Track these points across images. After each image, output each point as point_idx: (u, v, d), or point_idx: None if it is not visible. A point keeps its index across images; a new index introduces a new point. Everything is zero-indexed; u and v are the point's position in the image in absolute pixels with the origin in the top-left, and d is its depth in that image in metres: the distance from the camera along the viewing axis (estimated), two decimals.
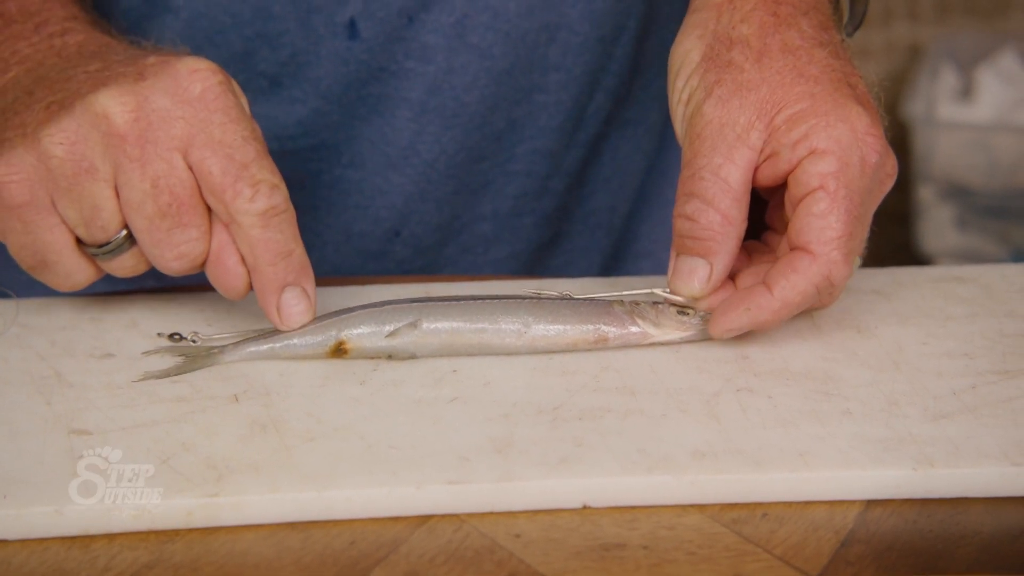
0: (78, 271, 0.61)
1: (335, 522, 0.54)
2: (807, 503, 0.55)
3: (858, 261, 0.62)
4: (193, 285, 0.72)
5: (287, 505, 0.53)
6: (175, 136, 0.57)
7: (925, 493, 0.55)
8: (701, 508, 0.55)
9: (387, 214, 0.78)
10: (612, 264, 0.86)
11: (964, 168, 1.69)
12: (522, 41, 0.75)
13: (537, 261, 0.83)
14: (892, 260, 1.81)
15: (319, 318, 0.62)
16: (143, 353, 0.62)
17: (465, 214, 0.80)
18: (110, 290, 0.75)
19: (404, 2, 0.73)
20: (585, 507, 0.54)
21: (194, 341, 0.63)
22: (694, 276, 0.61)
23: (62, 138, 0.57)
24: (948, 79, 1.74)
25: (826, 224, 0.59)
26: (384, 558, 0.52)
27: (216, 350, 0.62)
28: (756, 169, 0.61)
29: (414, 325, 0.62)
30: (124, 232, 0.60)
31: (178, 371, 0.61)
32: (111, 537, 0.53)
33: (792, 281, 0.59)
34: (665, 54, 0.64)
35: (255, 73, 0.74)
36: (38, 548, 0.52)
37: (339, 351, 0.62)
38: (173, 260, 0.59)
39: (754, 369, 0.62)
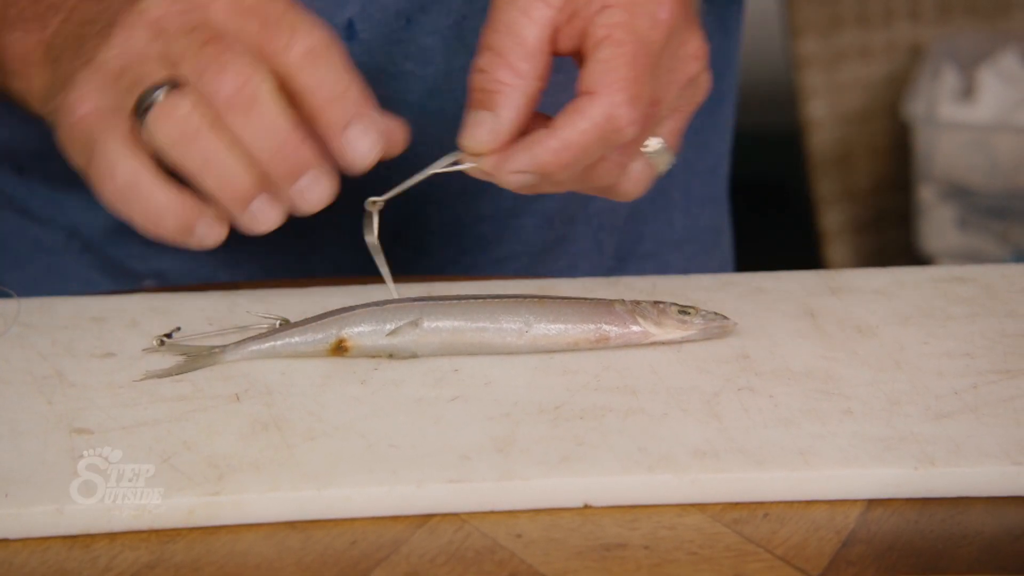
0: (136, 169, 0.57)
1: (336, 522, 0.54)
2: (808, 503, 0.55)
3: (667, 154, 0.61)
4: (194, 285, 0.72)
5: (288, 504, 0.53)
6: (208, 5, 0.57)
7: (926, 492, 0.55)
8: (702, 508, 0.55)
9: (388, 216, 0.78)
10: (616, 266, 0.86)
11: (965, 168, 1.69)
12: None
13: (539, 263, 0.83)
14: (893, 260, 1.81)
15: (319, 316, 0.62)
16: (143, 351, 0.62)
17: (466, 216, 0.80)
18: (111, 290, 0.75)
19: (402, 4, 0.73)
20: (586, 506, 0.54)
21: (169, 336, 0.62)
22: (479, 128, 0.59)
23: (113, 43, 0.57)
24: (949, 79, 1.74)
25: (610, 67, 0.57)
26: (385, 558, 0.52)
27: (217, 349, 0.62)
28: (560, 31, 0.59)
29: (415, 324, 0.62)
30: (167, 81, 0.57)
31: (179, 371, 0.61)
32: (112, 537, 0.53)
33: (574, 121, 0.57)
34: None
35: None
36: (39, 548, 0.52)
37: (340, 349, 0.62)
38: (229, 80, 0.55)
39: (755, 368, 0.62)
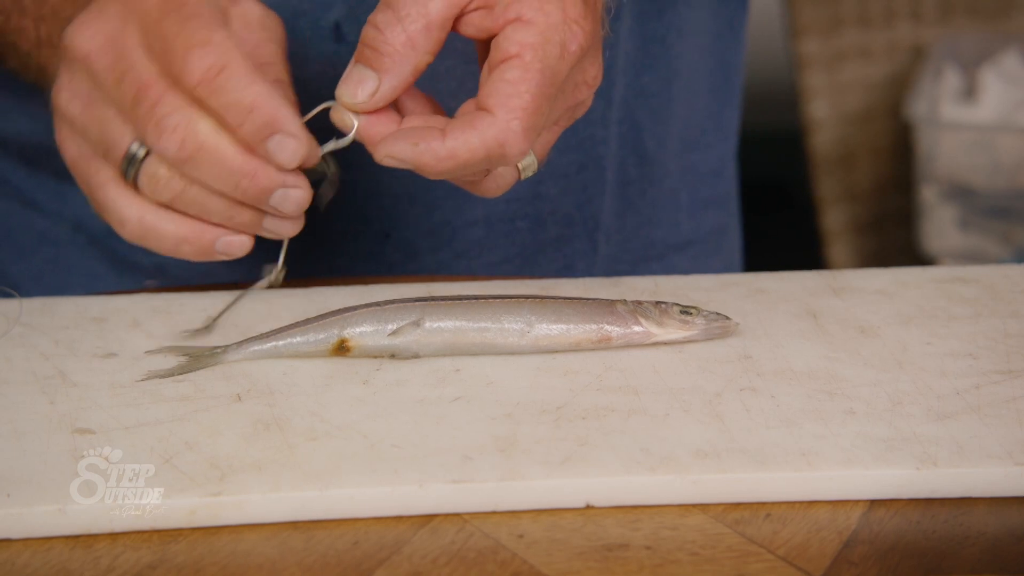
0: (141, 213, 0.60)
1: (338, 522, 0.54)
2: (810, 503, 0.55)
3: (534, 164, 0.61)
4: (196, 285, 0.72)
5: (290, 504, 0.53)
6: (129, 39, 0.57)
7: (929, 493, 0.55)
8: (704, 508, 0.55)
9: (376, 215, 0.78)
10: (619, 268, 0.86)
11: (967, 169, 1.69)
12: None
13: (535, 266, 0.83)
14: (895, 260, 1.81)
15: (321, 316, 0.62)
16: (146, 352, 0.62)
17: (456, 219, 0.79)
18: (113, 290, 0.75)
19: None
20: (588, 506, 0.54)
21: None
22: (360, 86, 0.59)
23: (62, 84, 0.59)
24: (951, 80, 1.74)
25: (515, 92, 0.57)
26: (387, 559, 0.52)
27: (219, 349, 0.62)
28: (465, 13, 0.59)
29: (417, 324, 0.62)
30: (137, 144, 0.58)
31: (181, 371, 0.61)
32: (114, 537, 0.53)
33: (467, 136, 0.57)
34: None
35: None
36: (41, 548, 0.52)
37: (341, 349, 0.62)
38: (167, 141, 0.57)
39: (757, 369, 0.62)
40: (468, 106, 0.61)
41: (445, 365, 0.62)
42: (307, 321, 0.63)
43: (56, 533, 0.53)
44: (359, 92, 0.59)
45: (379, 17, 0.58)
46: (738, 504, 0.55)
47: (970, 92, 1.75)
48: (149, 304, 0.67)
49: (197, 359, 0.61)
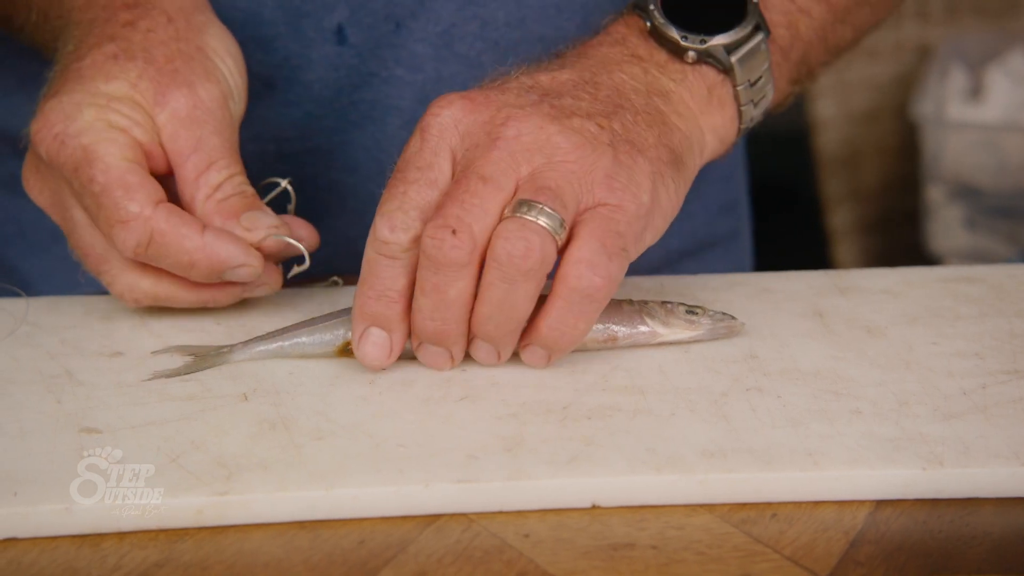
0: (149, 287, 0.64)
1: (344, 522, 0.54)
2: (816, 503, 0.55)
3: None
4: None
5: (296, 503, 0.53)
6: (67, 195, 0.62)
7: (935, 493, 0.55)
8: (710, 508, 0.55)
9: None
10: (627, 276, 0.85)
11: (973, 168, 1.69)
12: (513, 52, 0.75)
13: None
14: (901, 260, 1.81)
15: (327, 316, 0.62)
16: (152, 353, 0.62)
17: None
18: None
19: (391, 9, 0.73)
20: (594, 506, 0.54)
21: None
22: (372, 346, 0.61)
23: (28, 162, 0.63)
24: (957, 79, 1.74)
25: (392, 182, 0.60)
26: (393, 558, 0.52)
27: (225, 349, 0.62)
28: None
29: None
30: None
31: (187, 370, 0.61)
32: (121, 536, 0.53)
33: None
34: None
35: (250, 75, 0.74)
36: (48, 546, 0.52)
37: (347, 350, 0.62)
38: (120, 297, 0.63)
39: (763, 369, 0.62)
40: None
41: None
42: (313, 321, 0.63)
43: (62, 532, 0.53)
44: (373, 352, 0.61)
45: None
46: (744, 504, 0.55)
47: (976, 92, 1.74)
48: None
49: (203, 359, 0.62)
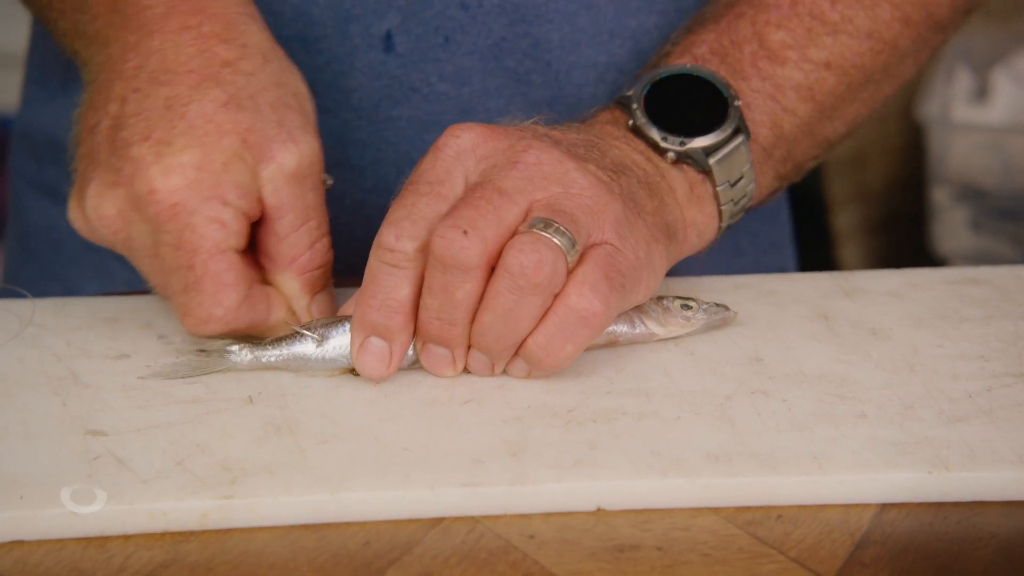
0: None
1: (350, 522, 0.54)
2: (822, 505, 0.55)
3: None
4: None
5: (301, 507, 0.53)
6: (148, 245, 0.60)
7: (940, 496, 0.55)
8: (715, 510, 0.55)
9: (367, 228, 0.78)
10: None
11: (979, 170, 1.69)
12: (567, 76, 0.74)
13: None
14: (906, 261, 1.81)
15: (335, 327, 0.61)
16: (159, 371, 0.62)
17: None
18: (124, 290, 0.75)
19: (441, 21, 0.73)
20: (599, 510, 0.54)
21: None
22: (371, 356, 0.60)
23: (78, 224, 0.62)
24: (963, 81, 1.74)
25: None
26: (398, 559, 0.52)
27: (229, 351, 0.61)
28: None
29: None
30: None
31: (187, 372, 0.61)
32: (127, 537, 0.53)
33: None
34: None
35: None
36: (54, 548, 0.52)
37: (355, 371, 0.61)
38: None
39: (768, 372, 0.62)
40: None
41: None
42: (323, 336, 0.61)
43: (69, 535, 0.53)
44: (372, 361, 0.60)
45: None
46: (749, 507, 0.55)
47: (982, 93, 1.74)
48: (162, 305, 0.67)
49: (204, 362, 0.61)
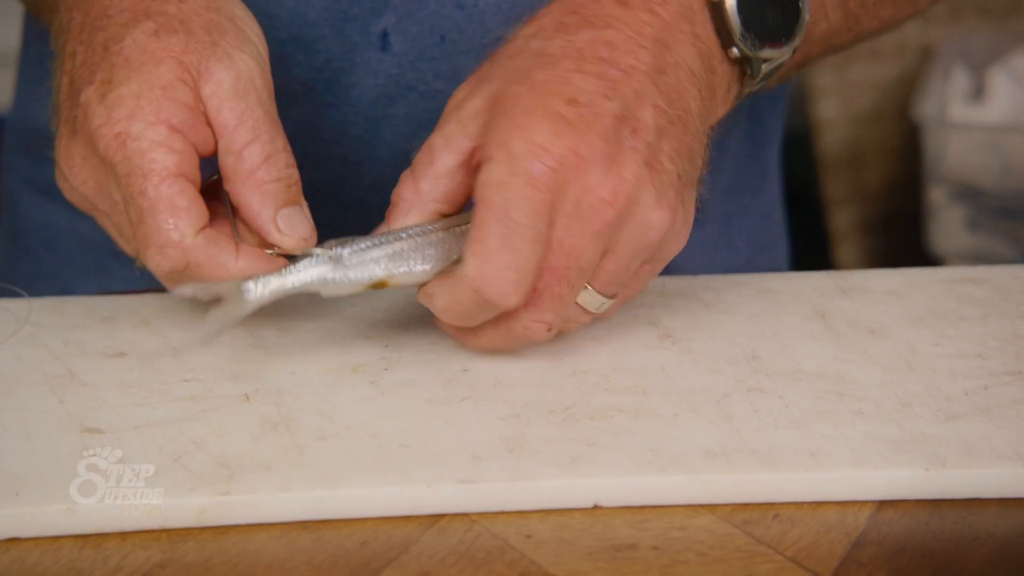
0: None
1: (347, 522, 0.54)
2: (819, 504, 0.55)
3: (604, 303, 0.60)
4: None
5: (298, 504, 0.53)
6: (115, 190, 0.60)
7: (938, 494, 0.55)
8: (713, 509, 0.55)
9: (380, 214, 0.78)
10: None
11: (976, 169, 1.69)
12: None
13: None
14: (903, 261, 1.81)
15: (350, 244, 0.59)
16: (193, 338, 0.61)
17: None
18: (122, 288, 0.75)
19: (436, 21, 0.73)
20: (596, 506, 0.54)
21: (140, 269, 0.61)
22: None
23: (61, 185, 0.63)
24: (960, 80, 1.74)
25: (478, 236, 0.56)
26: (395, 558, 0.52)
27: (246, 291, 0.58)
28: (472, 163, 0.59)
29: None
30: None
31: (217, 325, 0.58)
32: (123, 536, 0.53)
33: (451, 289, 0.58)
34: None
35: (290, 78, 0.74)
36: (51, 547, 0.52)
37: (380, 286, 0.59)
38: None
39: (766, 369, 0.62)
40: None
41: (453, 365, 0.62)
42: (340, 250, 0.59)
43: (65, 532, 0.53)
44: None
45: (404, 172, 0.61)
46: (747, 505, 0.55)
47: (979, 92, 1.74)
48: (159, 304, 0.67)
49: (226, 303, 0.58)
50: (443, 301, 0.58)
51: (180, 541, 0.53)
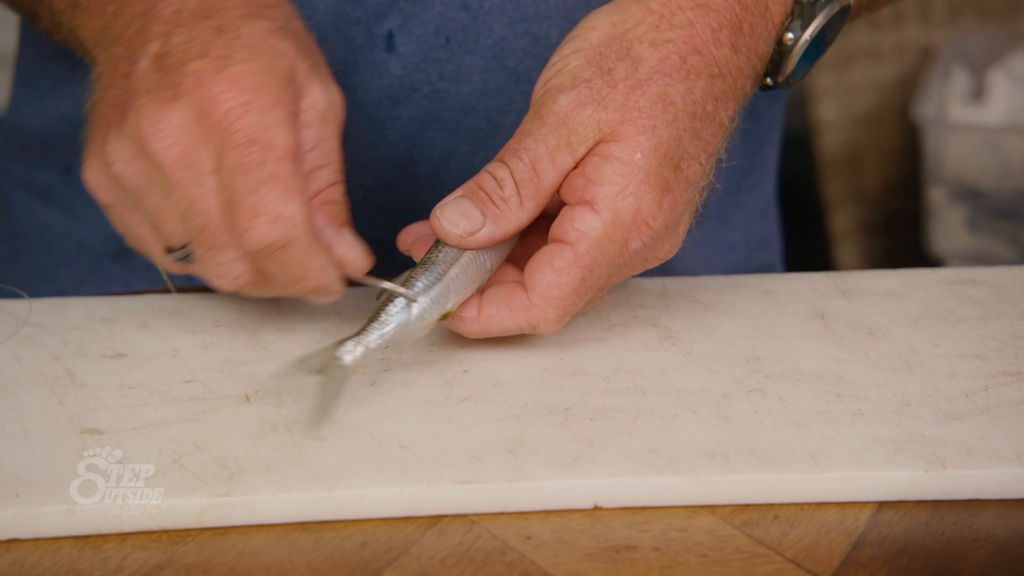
0: (170, 265, 0.62)
1: (346, 523, 0.54)
2: (818, 505, 0.55)
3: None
4: (205, 287, 0.72)
5: (298, 504, 0.53)
6: (207, 160, 0.57)
7: (937, 494, 0.55)
8: (712, 510, 0.55)
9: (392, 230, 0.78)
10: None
11: (975, 170, 1.69)
12: None
13: None
14: (903, 262, 1.81)
15: (414, 279, 0.59)
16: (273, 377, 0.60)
17: None
18: (121, 291, 0.75)
19: (441, 23, 0.73)
20: (596, 507, 0.54)
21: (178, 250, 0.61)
22: (464, 220, 0.60)
23: (116, 156, 0.59)
24: (959, 81, 1.74)
25: (556, 283, 0.59)
26: (395, 559, 0.52)
27: (337, 357, 0.58)
28: (567, 179, 0.60)
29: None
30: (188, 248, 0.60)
31: (326, 400, 0.57)
32: (123, 537, 0.53)
33: (502, 314, 0.60)
34: None
35: None
36: (51, 548, 0.52)
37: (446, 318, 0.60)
38: (215, 279, 0.60)
39: (765, 370, 0.62)
40: (507, 273, 0.63)
41: (453, 366, 0.62)
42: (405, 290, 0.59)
43: (65, 533, 0.53)
44: (461, 224, 0.60)
45: (500, 172, 0.60)
46: (746, 506, 0.55)
47: (978, 93, 1.74)
48: (158, 305, 0.67)
49: (327, 373, 0.58)
50: (482, 326, 0.60)
51: (180, 542, 0.53)
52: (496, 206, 0.60)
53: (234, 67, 0.57)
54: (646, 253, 0.61)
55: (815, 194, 1.83)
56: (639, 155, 0.59)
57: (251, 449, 0.56)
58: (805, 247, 1.94)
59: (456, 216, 0.60)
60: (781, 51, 0.64)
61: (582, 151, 0.59)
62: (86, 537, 0.53)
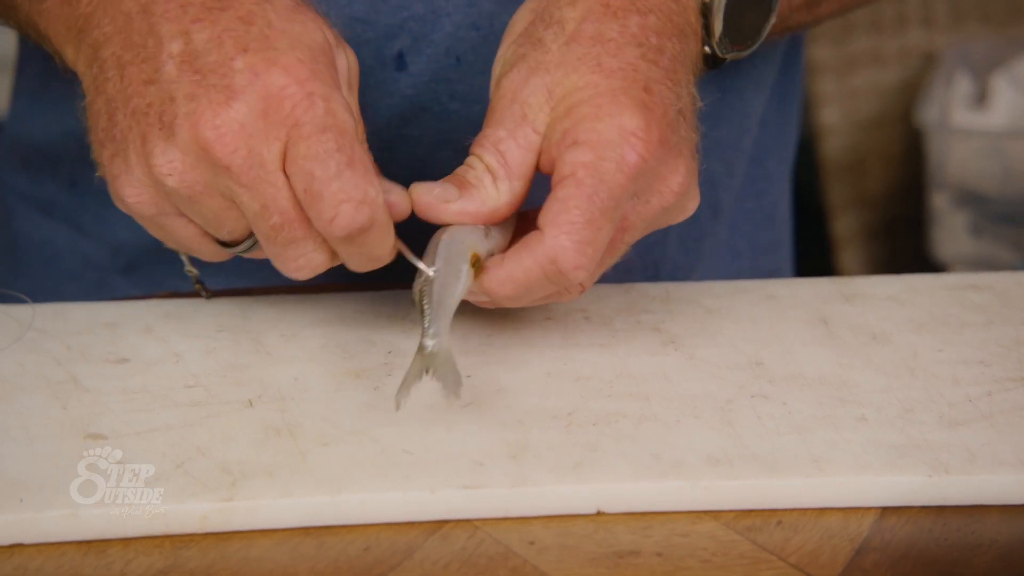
0: (222, 255, 0.61)
1: (349, 528, 0.54)
2: (822, 510, 0.55)
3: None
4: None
5: (301, 509, 0.53)
6: (274, 158, 0.56)
7: (941, 500, 0.55)
8: (715, 515, 0.55)
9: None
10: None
11: (978, 175, 1.69)
12: None
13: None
14: (906, 267, 1.81)
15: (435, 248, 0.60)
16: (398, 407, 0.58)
17: None
18: (124, 296, 0.75)
19: (452, 42, 0.73)
20: (599, 512, 0.54)
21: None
22: (439, 187, 0.60)
23: (170, 169, 0.57)
24: (962, 86, 1.74)
25: (564, 208, 0.57)
26: (398, 564, 0.52)
27: (427, 350, 0.58)
28: (543, 153, 0.60)
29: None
30: (252, 236, 0.60)
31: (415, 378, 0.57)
32: (126, 542, 0.53)
33: (520, 257, 0.58)
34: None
35: None
36: (54, 553, 0.52)
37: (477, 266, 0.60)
38: (294, 272, 0.59)
39: (768, 375, 0.62)
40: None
41: None
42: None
43: (68, 538, 0.53)
44: (435, 190, 0.60)
45: (470, 162, 0.60)
46: (749, 511, 0.55)
47: (982, 98, 1.74)
48: (161, 310, 0.67)
49: (422, 359, 0.58)
50: (507, 272, 0.58)
51: (183, 548, 0.53)
52: (471, 184, 0.60)
53: (283, 57, 0.56)
54: (652, 179, 0.59)
55: (818, 199, 1.83)
56: (599, 86, 0.58)
57: (254, 454, 0.56)
58: (808, 252, 1.94)
59: (430, 185, 0.60)
60: (706, 13, 0.63)
61: (541, 119, 0.59)
62: (90, 542, 0.53)
